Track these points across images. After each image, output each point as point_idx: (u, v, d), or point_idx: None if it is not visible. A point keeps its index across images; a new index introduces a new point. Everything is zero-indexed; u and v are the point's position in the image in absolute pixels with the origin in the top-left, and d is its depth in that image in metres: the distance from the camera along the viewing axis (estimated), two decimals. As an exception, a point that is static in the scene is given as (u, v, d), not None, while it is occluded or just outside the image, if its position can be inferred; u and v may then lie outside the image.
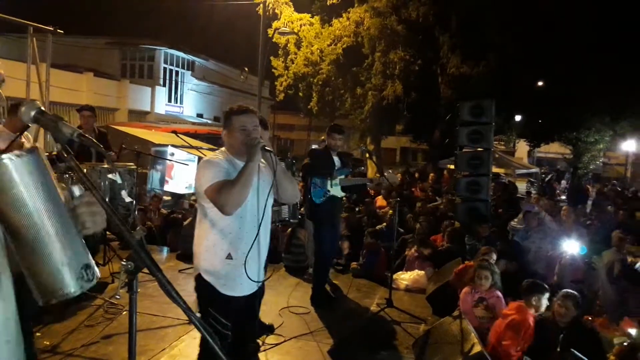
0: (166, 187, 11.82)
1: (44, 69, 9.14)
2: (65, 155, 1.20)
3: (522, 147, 28.39)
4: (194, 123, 23.11)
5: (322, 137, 6.64)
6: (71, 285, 1.16)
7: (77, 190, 1.26)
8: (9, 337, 1.22)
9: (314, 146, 6.90)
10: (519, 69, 14.20)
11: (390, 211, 7.15)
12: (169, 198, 9.98)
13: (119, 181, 4.18)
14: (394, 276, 5.90)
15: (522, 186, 15.27)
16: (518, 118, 19.65)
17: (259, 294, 3.00)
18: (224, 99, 26.59)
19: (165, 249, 7.41)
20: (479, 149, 7.79)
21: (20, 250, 1.14)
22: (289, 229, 6.71)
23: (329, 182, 5.11)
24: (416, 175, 13.09)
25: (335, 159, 5.22)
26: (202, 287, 2.71)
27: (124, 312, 4.56)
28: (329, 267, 5.49)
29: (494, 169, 11.87)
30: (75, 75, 18.46)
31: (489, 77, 13.91)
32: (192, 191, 10.81)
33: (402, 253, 6.79)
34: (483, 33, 14.08)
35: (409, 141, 22.84)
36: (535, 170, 21.55)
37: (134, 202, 5.24)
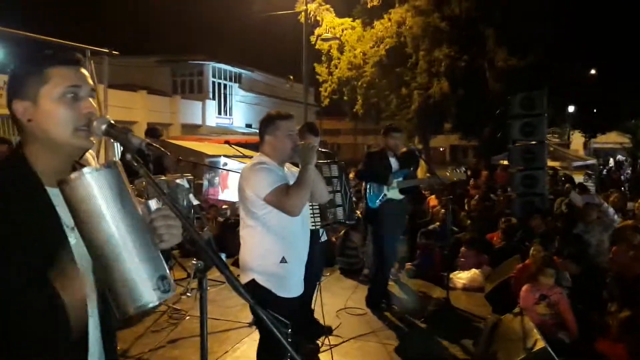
0: (221, 196, 12.13)
1: (101, 89, 9.60)
2: (136, 164, 1.24)
3: (577, 139, 27.31)
4: (243, 133, 23.60)
5: (374, 141, 6.61)
6: (148, 297, 1.18)
7: (153, 204, 1.30)
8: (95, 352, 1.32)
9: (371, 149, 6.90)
10: (570, 58, 13.72)
11: (443, 210, 7.07)
12: (227, 207, 10.25)
13: (186, 185, 4.34)
14: (451, 275, 5.84)
15: (579, 179, 14.68)
16: (571, 109, 18.93)
17: (310, 294, 3.06)
18: (271, 108, 26.80)
19: (223, 255, 7.62)
20: (533, 142, 7.60)
21: (99, 263, 1.19)
22: (342, 231, 6.76)
23: (383, 186, 5.10)
24: (468, 172, 12.86)
25: (393, 160, 5.17)
26: (258, 291, 2.73)
27: (187, 317, 4.74)
28: (388, 270, 5.48)
29: (550, 163, 11.49)
30: (130, 93, 19.27)
31: (539, 68, 13.51)
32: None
33: (457, 252, 6.70)
34: (529, 23, 13.70)
35: (458, 139, 22.45)
36: (592, 161, 20.68)
37: (200, 204, 5.41)
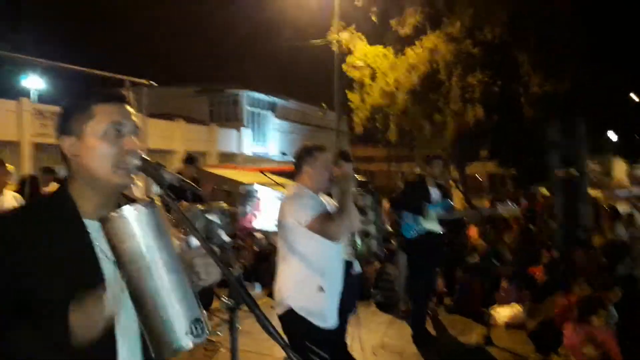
0: (254, 224, 12.20)
1: (141, 119, 9.89)
2: (168, 199, 1.25)
3: (619, 166, 26.45)
4: (278, 161, 23.83)
5: (408, 168, 6.51)
6: (182, 341, 1.17)
7: (194, 241, 1.29)
8: None
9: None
10: (608, 83, 13.41)
11: (483, 242, 6.90)
12: (260, 236, 10.28)
13: (218, 221, 4.37)
14: (491, 311, 5.66)
15: (623, 209, 14.14)
16: (612, 135, 18.41)
17: (344, 326, 3.09)
18: (305, 136, 27.22)
19: (257, 285, 7.59)
20: (573, 172, 7.38)
21: (136, 302, 1.19)
22: (376, 263, 6.65)
23: (420, 217, 5.01)
24: (521, 206, 12.53)
25: (434, 190, 5.10)
26: (294, 321, 2.76)
27: (222, 350, 4.71)
28: (425, 304, 5.35)
29: (591, 192, 11.13)
30: (169, 122, 19.78)
31: (576, 94, 13.23)
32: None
33: (497, 286, 6.50)
34: (564, 48, 13.49)
35: (495, 166, 22.06)
36: (638, 190, 19.88)
37: (231, 240, 5.44)
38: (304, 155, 2.97)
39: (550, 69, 14.09)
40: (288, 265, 2.85)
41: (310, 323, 2.75)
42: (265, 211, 12.99)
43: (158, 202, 1.26)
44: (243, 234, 10.21)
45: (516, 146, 15.98)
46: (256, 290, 7.39)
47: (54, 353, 1.18)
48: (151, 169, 1.28)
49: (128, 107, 1.36)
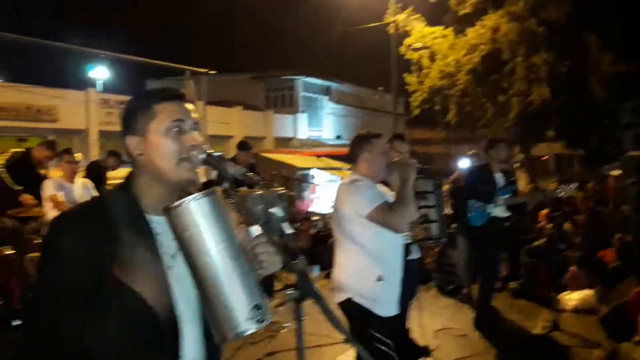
0: (311, 208, 12.29)
1: (200, 106, 10.12)
2: (231, 191, 1.29)
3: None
4: (333, 145, 23.86)
5: (472, 151, 6.30)
6: (244, 326, 1.20)
7: (255, 231, 1.34)
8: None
9: (463, 162, 6.60)
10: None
11: (549, 225, 6.61)
12: (317, 218, 10.36)
13: (280, 214, 4.39)
14: (559, 296, 5.43)
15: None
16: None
17: (405, 312, 3.05)
18: (360, 119, 27.10)
19: (316, 268, 7.64)
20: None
21: (200, 289, 1.23)
22: (437, 247, 6.52)
23: (488, 205, 4.85)
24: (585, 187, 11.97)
25: (499, 175, 4.93)
26: (355, 310, 2.74)
27: (284, 330, 4.77)
28: (493, 289, 5.21)
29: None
30: (226, 109, 20.19)
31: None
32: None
33: (565, 270, 6.22)
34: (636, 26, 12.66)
35: (562, 147, 21.07)
36: None
37: (294, 231, 5.46)
38: (360, 143, 2.91)
39: (621, 48, 13.27)
40: (346, 254, 2.83)
41: (370, 312, 2.73)
42: (322, 195, 13.06)
43: (219, 190, 1.27)
44: (300, 217, 10.30)
45: (585, 127, 15.19)
46: (315, 272, 7.44)
47: (114, 343, 1.23)
48: (215, 162, 1.32)
49: (187, 105, 1.40)
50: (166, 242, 1.31)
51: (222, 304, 1.20)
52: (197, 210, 1.20)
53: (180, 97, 1.40)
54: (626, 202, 7.28)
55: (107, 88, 20.70)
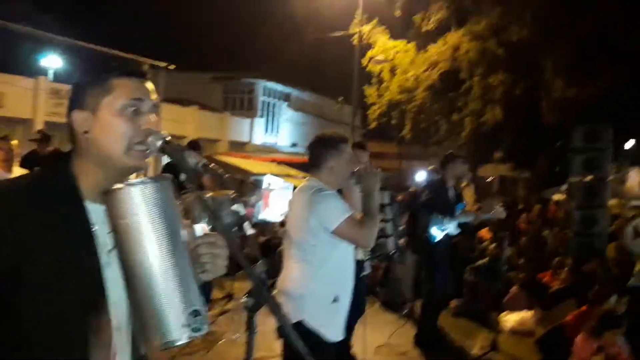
0: (262, 215, 12.15)
1: (156, 102, 9.82)
2: (190, 185, 1.16)
3: (633, 177, 25.88)
4: (288, 152, 23.76)
5: (430, 167, 6.32)
6: (176, 334, 1.06)
7: (200, 230, 1.20)
8: None
9: (420, 176, 6.62)
10: (629, 92, 13.12)
11: (493, 245, 6.73)
12: (266, 225, 10.25)
13: (242, 212, 4.25)
14: (499, 317, 5.51)
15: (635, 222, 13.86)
16: (629, 144, 18.07)
17: (352, 330, 2.94)
18: (318, 128, 27.11)
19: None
20: (594, 178, 7.16)
21: (131, 287, 1.09)
22: (384, 262, 6.52)
23: (445, 219, 4.86)
24: (519, 206, 12.33)
25: (451, 191, 4.96)
26: (306, 334, 2.40)
27: (222, 340, 4.60)
28: (439, 307, 5.23)
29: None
30: (182, 108, 19.72)
31: (600, 100, 12.96)
32: (282, 218, 11.02)
33: (506, 291, 6.34)
34: (590, 55, 13.23)
35: (508, 169, 21.76)
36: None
37: (255, 232, 5.28)
38: (326, 147, 2.63)
39: (574, 74, 13.80)
40: (303, 271, 2.55)
41: (322, 339, 2.49)
42: (274, 202, 12.93)
43: (169, 179, 1.13)
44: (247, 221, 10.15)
45: (534, 149, 15.71)
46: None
47: (28, 346, 1.10)
48: (174, 151, 1.17)
49: (148, 84, 1.26)
50: (103, 235, 1.16)
51: (154, 307, 1.05)
52: (140, 197, 1.06)
53: (142, 74, 1.25)
54: (569, 226, 7.50)
55: (60, 78, 19.83)
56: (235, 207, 1.39)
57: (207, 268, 1.17)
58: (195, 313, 1.08)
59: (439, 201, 4.91)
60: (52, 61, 21.76)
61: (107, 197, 1.08)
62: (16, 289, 1.09)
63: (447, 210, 4.86)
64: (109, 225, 1.10)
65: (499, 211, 5.11)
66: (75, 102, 1.22)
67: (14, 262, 1.09)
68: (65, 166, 1.22)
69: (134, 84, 1.22)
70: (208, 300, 5.10)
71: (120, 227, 1.07)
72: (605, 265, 6.32)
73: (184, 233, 1.13)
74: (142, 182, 1.07)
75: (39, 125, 15.26)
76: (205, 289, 1.23)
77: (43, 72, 19.31)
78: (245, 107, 24.79)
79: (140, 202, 1.05)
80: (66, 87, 15.87)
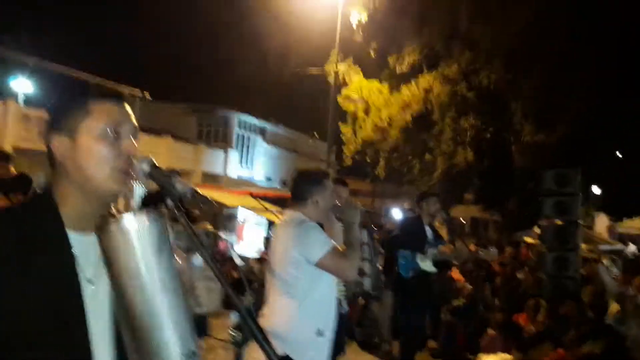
0: (236, 249, 11.94)
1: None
2: (177, 212, 1.11)
3: (600, 221, 26.68)
4: (263, 187, 23.64)
5: (406, 205, 6.35)
6: None
7: (199, 262, 1.18)
8: None
9: (396, 213, 6.65)
10: (596, 137, 13.63)
11: (470, 286, 6.74)
12: (241, 262, 10.01)
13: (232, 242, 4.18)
14: (475, 358, 5.45)
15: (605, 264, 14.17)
16: (596, 190, 18.64)
17: None
18: (293, 163, 27.21)
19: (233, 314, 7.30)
20: (565, 222, 7.31)
21: (125, 325, 1.05)
22: (360, 301, 6.44)
23: (418, 256, 4.86)
24: (505, 252, 12.52)
25: (428, 229, 4.98)
26: None
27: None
28: (416, 347, 5.15)
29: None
30: (155, 138, 19.53)
31: (568, 145, 13.40)
32: (257, 255, 10.81)
33: (483, 332, 6.32)
34: (557, 100, 13.74)
35: (479, 211, 22.15)
36: (620, 247, 20.04)
37: (244, 264, 5.14)
38: (311, 183, 2.73)
39: (542, 119, 14.27)
40: (286, 304, 2.59)
41: None
42: (248, 236, 12.73)
43: (164, 211, 1.10)
44: (222, 258, 9.94)
45: (504, 192, 16.04)
46: (231, 318, 7.09)
47: None
48: (161, 176, 1.12)
49: (128, 108, 1.22)
50: (84, 264, 1.12)
51: (151, 350, 1.01)
52: (135, 234, 1.02)
53: (120, 98, 1.22)
54: (541, 268, 7.59)
55: (30, 102, 19.41)
56: (225, 236, 1.33)
57: (202, 302, 1.14)
58: (192, 354, 1.04)
59: (409, 237, 4.93)
60: (22, 84, 21.32)
61: (100, 233, 1.05)
62: None
63: (417, 246, 4.86)
64: (104, 260, 1.05)
65: (489, 253, 5.14)
66: (53, 126, 1.18)
67: None
68: (46, 196, 1.17)
69: (113, 107, 1.19)
70: (205, 333, 4.89)
71: (114, 263, 1.03)
72: (581, 308, 6.38)
73: (178, 267, 1.09)
74: (135, 219, 1.03)
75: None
76: (200, 321, 1.17)
77: (12, 95, 18.89)
78: (220, 139, 24.74)
79: (134, 240, 1.02)
80: (37, 113, 15.64)
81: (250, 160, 26.36)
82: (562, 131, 13.89)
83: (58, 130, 1.17)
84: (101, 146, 1.15)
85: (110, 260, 1.04)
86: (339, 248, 2.60)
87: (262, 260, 9.31)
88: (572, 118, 13.66)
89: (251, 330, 1.11)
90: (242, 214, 12.34)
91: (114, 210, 1.22)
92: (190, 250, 1.19)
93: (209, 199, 1.63)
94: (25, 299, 1.04)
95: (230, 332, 1.22)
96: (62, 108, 1.20)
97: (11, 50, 12.23)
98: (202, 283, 1.14)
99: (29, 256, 1.07)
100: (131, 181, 1.17)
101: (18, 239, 1.07)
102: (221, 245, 10.90)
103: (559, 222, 7.37)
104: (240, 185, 20.69)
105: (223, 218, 11.14)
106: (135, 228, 1.02)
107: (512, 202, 15.84)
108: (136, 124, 1.23)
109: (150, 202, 1.13)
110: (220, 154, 23.68)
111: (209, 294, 1.15)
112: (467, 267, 8.39)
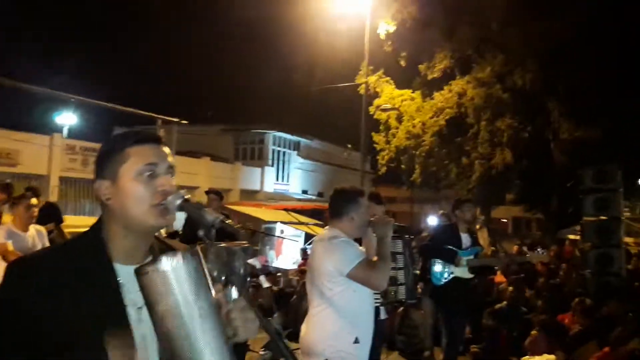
0: (275, 263, 12.10)
1: (170, 156, 10.02)
2: (208, 241, 1.21)
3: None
4: (299, 199, 23.85)
5: (441, 211, 6.36)
6: None
7: (234, 293, 1.23)
8: None
9: (433, 220, 6.64)
10: (638, 130, 13.22)
11: (510, 288, 6.64)
12: (280, 274, 10.17)
13: (258, 266, 4.34)
14: (521, 361, 5.36)
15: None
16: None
17: None
18: (328, 175, 27.35)
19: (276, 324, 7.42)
20: (607, 218, 7.14)
21: (166, 357, 1.14)
22: (401, 309, 6.45)
23: (447, 263, 4.86)
24: (551, 253, 12.21)
25: (464, 236, 4.95)
26: None
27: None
28: (459, 352, 5.13)
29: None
30: (194, 160, 20.06)
31: (608, 140, 13.04)
32: (296, 267, 10.91)
33: (526, 334, 6.21)
34: (594, 96, 13.42)
35: (521, 211, 21.66)
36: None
37: (272, 286, 5.28)
38: (347, 201, 2.88)
39: (580, 116, 13.96)
40: (323, 315, 2.74)
41: None
42: (286, 250, 12.92)
43: (198, 250, 1.19)
44: (262, 272, 10.11)
45: (545, 191, 15.68)
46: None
47: None
48: (192, 208, 1.25)
49: (164, 148, 1.35)
50: (133, 293, 1.22)
51: None
52: (172, 275, 1.10)
53: (155, 140, 1.34)
54: (585, 265, 7.42)
55: (74, 134, 20.33)
56: (251, 261, 1.41)
57: (239, 332, 1.21)
58: None
59: (441, 246, 4.92)
60: (67, 118, 22.40)
61: (140, 276, 1.12)
62: (50, 347, 1.15)
63: (447, 255, 4.84)
64: (145, 302, 1.14)
65: (535, 255, 5.08)
66: (98, 173, 1.32)
67: (45, 327, 1.16)
68: (96, 232, 1.31)
69: (148, 149, 1.31)
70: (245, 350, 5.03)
71: (154, 304, 1.11)
72: (626, 305, 6.20)
73: (216, 300, 1.17)
74: (171, 261, 1.10)
75: (54, 181, 15.58)
76: (239, 349, 1.26)
77: (58, 129, 19.84)
78: (256, 156, 25.17)
79: (172, 281, 1.10)
80: (80, 143, 16.37)
81: (286, 175, 26.65)
82: (602, 126, 13.54)
83: (103, 177, 1.30)
84: (137, 185, 1.27)
85: (149, 302, 1.12)
86: (370, 260, 2.73)
87: (300, 271, 9.46)
88: (611, 113, 13.31)
89: (281, 351, 1.20)
90: (280, 228, 12.56)
91: (155, 247, 1.34)
92: (226, 280, 1.28)
93: (237, 227, 1.65)
94: (76, 318, 1.17)
95: (261, 352, 1.31)
96: (104, 157, 1.32)
97: (54, 89, 12.91)
98: (239, 314, 1.23)
99: (80, 284, 1.20)
100: (168, 216, 1.28)
101: (67, 271, 1.22)
102: (261, 259, 11.10)
103: (602, 217, 7.21)
104: (277, 199, 20.96)
105: (261, 233, 11.38)
106: (172, 270, 1.10)
107: (554, 200, 15.46)
108: (172, 162, 1.35)
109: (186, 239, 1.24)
110: (256, 171, 24.09)
111: (246, 324, 1.23)
112: (512, 269, 8.26)
